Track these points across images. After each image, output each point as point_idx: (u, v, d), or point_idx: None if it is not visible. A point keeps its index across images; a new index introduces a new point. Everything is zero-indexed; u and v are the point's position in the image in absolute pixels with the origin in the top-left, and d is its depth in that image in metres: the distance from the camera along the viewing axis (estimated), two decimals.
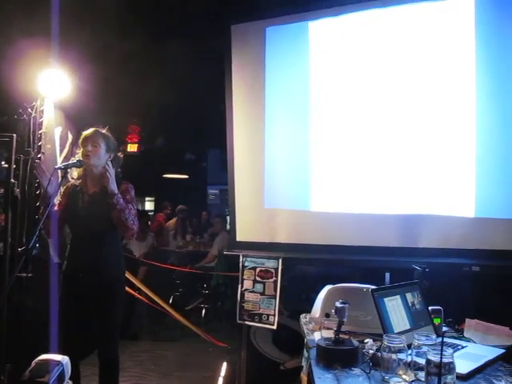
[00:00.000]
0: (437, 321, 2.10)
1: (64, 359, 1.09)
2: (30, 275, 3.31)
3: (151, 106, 5.61)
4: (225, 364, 4.14)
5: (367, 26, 3.24)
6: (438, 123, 3.02)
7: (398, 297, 2.00)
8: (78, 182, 2.81)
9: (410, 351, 1.53)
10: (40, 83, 3.66)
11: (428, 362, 1.39)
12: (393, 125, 3.13)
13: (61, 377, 1.05)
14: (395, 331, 1.82)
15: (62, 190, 2.83)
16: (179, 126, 7.05)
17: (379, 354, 1.59)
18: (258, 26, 3.61)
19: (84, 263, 2.65)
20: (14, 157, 3.61)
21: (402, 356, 1.51)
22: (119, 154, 2.88)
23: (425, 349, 1.49)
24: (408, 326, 1.92)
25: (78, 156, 2.78)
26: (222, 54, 3.82)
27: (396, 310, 1.94)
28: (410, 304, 2.02)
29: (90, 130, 2.80)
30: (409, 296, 2.05)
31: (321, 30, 3.41)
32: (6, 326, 3.40)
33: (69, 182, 2.83)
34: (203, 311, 6.05)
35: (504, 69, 2.89)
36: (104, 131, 2.83)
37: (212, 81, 4.30)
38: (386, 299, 1.93)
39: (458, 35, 2.97)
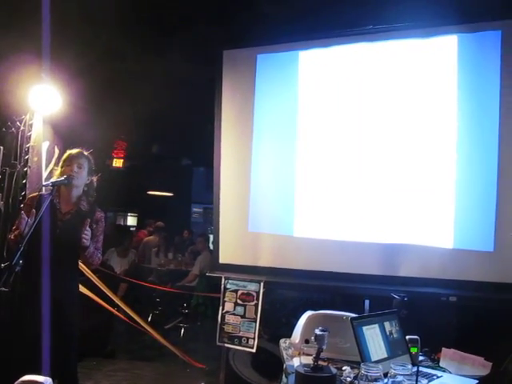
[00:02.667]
0: (413, 350, 2.13)
1: (47, 380, 1.10)
2: (9, 289, 3.27)
3: (139, 122, 5.65)
4: None
5: (356, 59, 3.35)
6: (420, 155, 3.12)
7: (377, 325, 2.04)
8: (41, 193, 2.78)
9: (386, 380, 1.57)
10: (30, 97, 3.68)
11: None
12: (376, 156, 3.23)
13: None
14: (373, 359, 1.86)
15: (29, 202, 2.81)
16: (166, 144, 7.10)
17: (356, 382, 1.62)
18: (249, 53, 3.70)
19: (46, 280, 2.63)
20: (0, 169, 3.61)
21: None
22: (94, 178, 2.90)
23: (400, 378, 1.53)
24: (385, 355, 1.96)
25: (56, 174, 2.80)
26: (212, 77, 3.88)
27: (374, 338, 1.98)
28: (388, 333, 2.06)
29: (76, 151, 2.83)
30: (387, 325, 2.09)
31: (311, 59, 3.50)
32: None
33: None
34: (182, 330, 6.00)
35: (484, 104, 3.01)
36: (87, 153, 2.86)
37: (201, 101, 4.37)
38: (364, 328, 1.97)
39: (442, 71, 3.10)
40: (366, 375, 1.56)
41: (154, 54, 4.33)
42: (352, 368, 1.92)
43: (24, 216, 2.49)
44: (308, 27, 3.50)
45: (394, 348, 2.03)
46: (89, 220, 2.67)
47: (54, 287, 2.59)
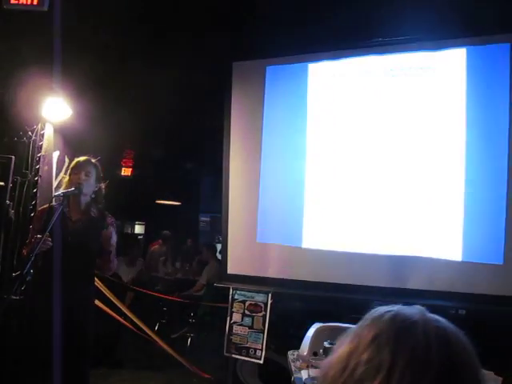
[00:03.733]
0: None
1: None
2: (20, 298, 3.30)
3: (147, 132, 5.69)
4: None
5: (365, 71, 3.37)
6: (428, 168, 3.12)
7: None
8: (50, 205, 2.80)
9: None
10: (42, 108, 3.73)
11: None
12: (384, 167, 3.23)
13: None
14: None
15: (39, 215, 2.84)
16: (174, 153, 7.13)
17: None
18: (258, 65, 3.73)
19: (60, 288, 2.64)
20: (11, 178, 3.64)
21: None
22: (102, 185, 2.93)
23: None
24: None
25: (65, 182, 2.84)
26: (221, 88, 3.92)
27: None
28: None
29: (84, 158, 2.86)
30: None
31: (320, 71, 3.53)
32: None
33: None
34: (189, 340, 5.99)
35: (493, 117, 3.01)
36: (95, 161, 2.89)
37: (209, 112, 4.40)
38: None
39: (451, 84, 3.10)
40: None
41: (164, 65, 4.37)
42: None
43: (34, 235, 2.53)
44: (317, 39, 3.52)
45: None
46: (112, 229, 2.70)
47: (68, 296, 2.61)
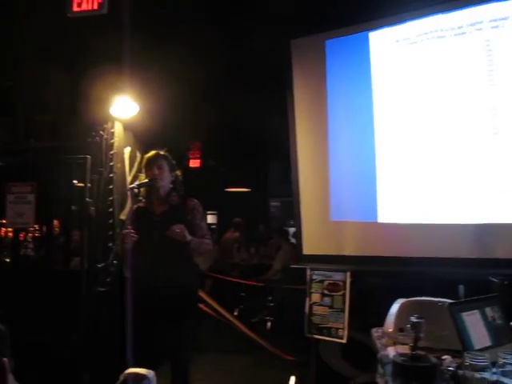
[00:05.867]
0: None
1: (150, 373, 1.14)
2: (107, 289, 3.48)
3: (213, 123, 5.77)
4: (293, 378, 4.11)
5: (430, 32, 3.16)
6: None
7: (477, 311, 1.91)
8: (142, 203, 2.92)
9: (494, 370, 1.47)
10: (110, 107, 3.86)
11: None
12: (461, 130, 3.01)
13: None
14: (475, 348, 1.74)
15: (130, 215, 2.95)
16: (240, 140, 7.18)
17: (460, 372, 1.53)
18: (317, 40, 3.61)
19: (160, 279, 2.74)
20: (89, 177, 3.82)
21: (486, 375, 1.45)
22: (178, 172, 2.99)
23: (511, 368, 1.42)
24: (489, 343, 1.83)
25: (141, 179, 2.92)
26: (281, 68, 3.85)
27: (475, 325, 1.86)
28: (490, 319, 1.93)
29: (153, 153, 2.94)
30: (488, 310, 1.95)
31: (382, 39, 3.36)
32: (84, 337, 3.58)
33: (139, 201, 2.94)
34: (268, 324, 6.05)
35: None
36: (163, 153, 2.95)
37: (272, 95, 4.36)
38: (464, 314, 1.85)
39: None
40: (471, 364, 1.46)
41: (223, 54, 4.39)
42: (453, 357, 1.81)
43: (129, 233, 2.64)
44: (376, 5, 3.36)
45: (498, 336, 1.89)
46: (196, 212, 2.78)
47: (166, 283, 2.70)
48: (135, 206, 2.95)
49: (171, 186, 2.92)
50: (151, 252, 2.80)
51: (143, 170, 2.99)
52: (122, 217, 3.64)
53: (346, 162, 3.49)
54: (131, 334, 2.39)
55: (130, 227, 2.67)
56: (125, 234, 2.64)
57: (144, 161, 2.98)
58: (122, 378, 1.13)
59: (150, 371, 1.17)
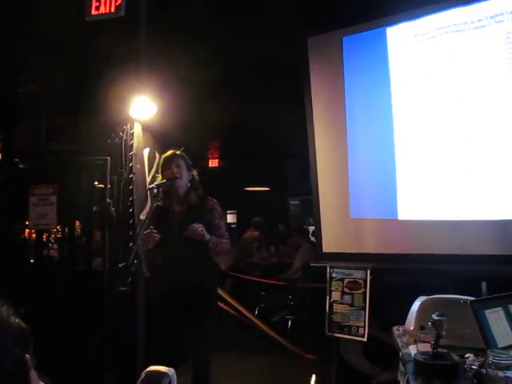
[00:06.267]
0: None
1: (170, 371, 1.14)
2: (129, 289, 3.51)
3: (231, 122, 5.78)
4: (314, 377, 4.10)
5: (448, 25, 3.11)
6: None
7: (501, 308, 1.88)
8: (161, 203, 2.93)
9: None
10: (129, 108, 3.90)
11: None
12: (486, 123, 2.95)
13: None
14: (499, 346, 1.71)
15: (150, 215, 2.97)
16: (258, 139, 7.18)
17: (483, 370, 1.50)
18: (334, 37, 3.59)
19: (180, 278, 2.76)
20: (109, 178, 3.87)
21: (510, 374, 1.42)
22: (194, 172, 3.00)
23: None
24: None
25: (158, 179, 2.94)
26: (298, 66, 3.84)
27: (498, 322, 1.83)
28: None
29: (170, 153, 2.95)
30: (511, 308, 1.92)
31: (399, 34, 3.32)
32: (106, 337, 3.63)
33: (158, 201, 2.96)
34: (289, 323, 6.04)
35: None
36: (180, 152, 2.96)
37: (289, 93, 4.35)
38: (487, 311, 1.82)
39: None
40: (495, 363, 1.44)
41: (241, 53, 4.40)
42: (476, 355, 1.78)
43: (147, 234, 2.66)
44: (392, 0, 3.33)
45: None
46: (214, 212, 2.79)
47: (187, 282, 2.73)
48: (154, 206, 2.97)
49: (189, 185, 2.94)
50: (171, 251, 2.82)
51: (160, 170, 3.01)
52: (142, 217, 3.67)
53: (364, 159, 3.46)
54: (153, 334, 2.42)
55: (151, 227, 2.69)
56: (146, 234, 2.66)
57: (161, 160, 2.99)
58: (142, 375, 1.14)
59: (171, 369, 1.17)
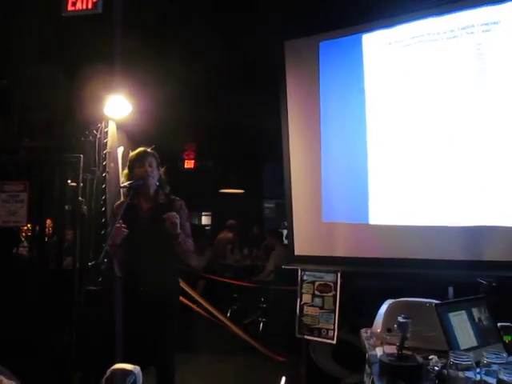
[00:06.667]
0: (507, 338, 2.01)
1: (136, 369, 1.14)
2: (98, 288, 3.48)
3: (208, 123, 5.77)
4: (283, 379, 4.12)
5: (421, 35, 3.18)
6: (500, 130, 2.89)
7: (464, 312, 1.93)
8: (127, 200, 2.87)
9: (478, 369, 1.48)
10: (104, 106, 3.87)
11: (499, 381, 1.34)
12: (451, 133, 3.03)
13: None
14: (461, 348, 1.76)
15: (115, 211, 2.93)
16: (235, 141, 7.19)
17: (445, 371, 1.54)
18: (311, 41, 3.63)
19: (144, 276, 2.74)
20: (81, 176, 3.82)
21: (469, 374, 1.46)
22: (162, 170, 2.98)
23: (495, 367, 1.43)
24: (475, 343, 1.85)
25: (125, 174, 2.91)
26: (275, 69, 3.87)
27: (462, 325, 1.88)
28: (477, 320, 1.94)
29: (142, 150, 2.91)
30: (475, 311, 1.97)
31: (375, 41, 3.38)
32: (75, 336, 3.58)
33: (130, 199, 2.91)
34: (261, 325, 6.05)
35: None
36: (150, 150, 2.94)
37: (266, 97, 4.38)
38: (450, 314, 1.87)
39: None
40: (456, 364, 1.47)
41: (218, 55, 4.40)
42: (439, 357, 1.83)
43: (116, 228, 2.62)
44: (369, 8, 3.38)
45: (484, 336, 1.91)
46: (182, 212, 2.75)
47: (151, 281, 2.71)
48: (119, 202, 2.94)
49: (157, 184, 2.92)
50: (136, 249, 2.78)
51: (128, 165, 2.95)
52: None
53: (337, 164, 3.51)
54: (120, 333, 2.40)
55: (121, 221, 2.65)
56: (116, 228, 2.62)
57: (132, 156, 2.93)
58: (108, 373, 1.14)
59: (136, 367, 1.17)
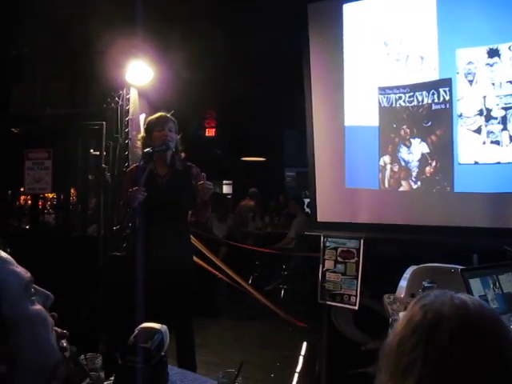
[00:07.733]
0: None
1: (163, 327, 1.17)
2: (123, 254, 3.54)
3: (229, 91, 5.72)
4: (305, 344, 4.17)
5: None
6: None
7: (490, 278, 1.90)
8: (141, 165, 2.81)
9: None
10: (126, 73, 3.85)
11: None
12: None
13: (161, 344, 1.12)
14: None
15: (129, 175, 2.94)
16: (256, 109, 7.12)
17: None
18: (335, 3, 3.52)
19: (160, 241, 2.76)
20: (104, 143, 3.85)
21: None
22: (178, 137, 2.95)
23: None
24: (503, 309, 1.83)
25: (142, 137, 2.90)
26: (299, 34, 3.78)
27: (487, 291, 1.86)
28: (504, 286, 1.92)
29: (163, 115, 2.87)
30: (502, 278, 1.94)
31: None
32: (101, 300, 3.68)
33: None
34: (282, 292, 6.12)
35: None
36: (169, 115, 2.90)
37: (289, 63, 4.30)
38: (476, 280, 1.85)
39: None
40: None
41: (240, 24, 4.31)
42: None
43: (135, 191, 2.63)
44: None
45: (511, 303, 1.89)
46: (204, 174, 2.72)
47: (167, 247, 2.74)
48: (132, 166, 2.94)
49: (173, 150, 2.90)
50: (152, 214, 2.78)
51: (147, 129, 2.89)
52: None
53: (360, 129, 3.43)
54: (142, 298, 2.44)
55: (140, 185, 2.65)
56: (135, 190, 2.61)
57: (152, 120, 2.89)
58: (136, 331, 1.16)
59: (164, 326, 1.19)
